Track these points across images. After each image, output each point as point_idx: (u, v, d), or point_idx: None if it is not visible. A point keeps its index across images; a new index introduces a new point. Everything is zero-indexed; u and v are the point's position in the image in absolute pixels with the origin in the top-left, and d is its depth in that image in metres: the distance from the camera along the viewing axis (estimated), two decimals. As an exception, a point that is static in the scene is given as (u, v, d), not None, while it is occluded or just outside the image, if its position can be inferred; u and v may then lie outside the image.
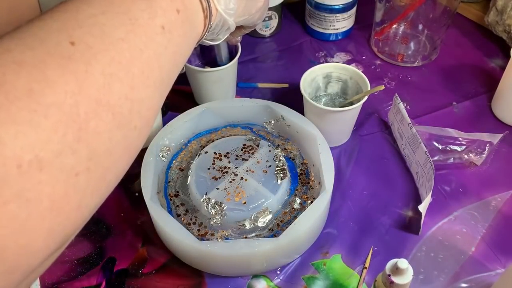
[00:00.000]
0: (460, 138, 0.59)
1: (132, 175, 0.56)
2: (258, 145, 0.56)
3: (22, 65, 0.23)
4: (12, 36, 0.24)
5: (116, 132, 0.26)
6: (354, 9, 0.76)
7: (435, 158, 0.58)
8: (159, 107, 0.32)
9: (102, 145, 0.25)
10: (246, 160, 0.55)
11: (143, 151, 0.53)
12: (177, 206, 0.53)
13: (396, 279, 0.41)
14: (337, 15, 0.74)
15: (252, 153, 0.56)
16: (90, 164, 0.25)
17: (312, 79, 0.61)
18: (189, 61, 0.64)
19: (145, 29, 0.29)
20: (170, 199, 0.54)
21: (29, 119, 0.22)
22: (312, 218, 0.48)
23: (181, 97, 0.69)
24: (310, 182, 0.55)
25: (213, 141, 0.59)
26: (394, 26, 0.73)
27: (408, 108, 0.66)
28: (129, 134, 0.28)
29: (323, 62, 0.73)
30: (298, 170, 0.57)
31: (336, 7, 0.73)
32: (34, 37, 0.24)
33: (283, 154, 0.56)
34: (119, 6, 0.29)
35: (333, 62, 0.74)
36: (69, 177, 0.23)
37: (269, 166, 0.54)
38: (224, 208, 0.50)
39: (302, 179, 0.56)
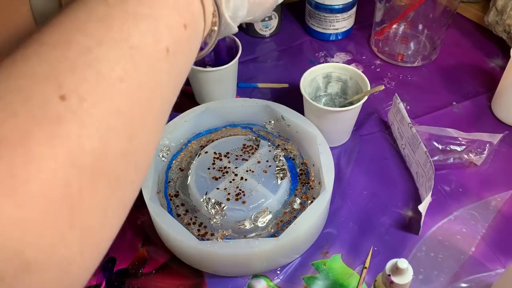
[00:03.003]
0: (460, 138, 0.59)
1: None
2: (258, 145, 0.57)
3: (3, 143, 0.19)
4: None
5: (112, 199, 0.24)
6: (354, 9, 0.76)
7: (435, 158, 0.58)
8: (158, 143, 0.29)
9: (96, 220, 0.23)
10: (246, 160, 0.55)
11: (143, 151, 0.53)
12: (177, 206, 0.53)
13: (396, 279, 0.41)
14: (337, 15, 0.74)
15: (252, 153, 0.56)
16: (83, 247, 0.22)
17: (312, 79, 0.61)
18: None
19: (148, 57, 0.25)
20: (170, 199, 0.54)
21: (11, 216, 0.18)
22: (312, 218, 0.48)
23: (181, 97, 0.69)
24: (310, 182, 0.55)
25: (213, 141, 0.59)
26: (394, 26, 0.73)
27: (408, 108, 0.66)
28: (126, 193, 0.25)
29: (323, 62, 0.73)
30: (298, 170, 0.57)
31: (336, 7, 0.73)
32: (17, 93, 0.20)
33: (283, 154, 0.56)
34: (120, 31, 0.25)
35: (333, 62, 0.74)
36: (60, 270, 0.21)
37: (269, 166, 0.54)
38: (224, 208, 0.50)
39: (302, 179, 0.56)
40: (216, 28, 0.33)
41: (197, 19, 0.31)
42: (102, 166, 0.22)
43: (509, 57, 0.61)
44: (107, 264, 0.52)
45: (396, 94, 0.61)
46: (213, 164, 0.54)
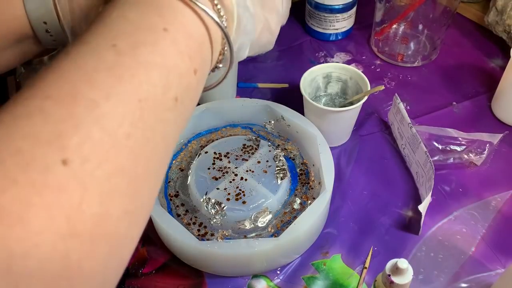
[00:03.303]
0: (460, 138, 0.59)
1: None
2: (258, 145, 0.57)
3: (2, 216, 0.18)
4: None
5: (112, 259, 0.23)
6: (354, 9, 0.76)
7: (435, 158, 0.58)
8: (158, 191, 0.27)
9: (95, 283, 0.22)
10: (246, 160, 0.55)
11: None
12: (177, 206, 0.53)
13: (396, 279, 0.41)
14: (337, 15, 0.74)
15: (252, 153, 0.56)
16: None
17: (312, 79, 0.61)
18: None
19: (156, 109, 0.24)
20: (170, 199, 0.54)
21: None
22: (312, 218, 0.48)
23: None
24: (310, 182, 0.55)
25: (213, 141, 0.59)
26: (394, 26, 0.73)
27: (408, 108, 0.66)
28: (125, 251, 0.24)
29: (323, 62, 0.73)
30: (298, 170, 0.57)
31: (336, 7, 0.73)
32: (18, 156, 0.20)
33: (283, 154, 0.56)
34: (129, 83, 0.23)
35: (333, 62, 0.74)
36: None
37: (269, 166, 0.54)
38: (224, 208, 0.50)
39: (302, 179, 0.56)
40: (221, 65, 0.32)
41: (207, 61, 0.30)
42: (102, 230, 0.21)
43: (509, 57, 0.61)
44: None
45: (396, 94, 0.61)
46: (213, 164, 0.54)
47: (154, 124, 0.24)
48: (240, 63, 0.68)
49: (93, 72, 0.23)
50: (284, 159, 0.55)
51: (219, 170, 0.54)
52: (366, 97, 0.57)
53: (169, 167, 0.57)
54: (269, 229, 0.51)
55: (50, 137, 0.20)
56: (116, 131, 0.22)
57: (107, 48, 0.24)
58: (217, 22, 0.28)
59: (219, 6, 0.29)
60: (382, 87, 0.56)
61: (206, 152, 0.56)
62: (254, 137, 0.58)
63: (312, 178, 0.55)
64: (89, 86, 0.22)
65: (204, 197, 0.51)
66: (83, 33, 0.25)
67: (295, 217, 0.50)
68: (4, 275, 0.18)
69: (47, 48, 0.44)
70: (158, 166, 0.26)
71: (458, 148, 0.59)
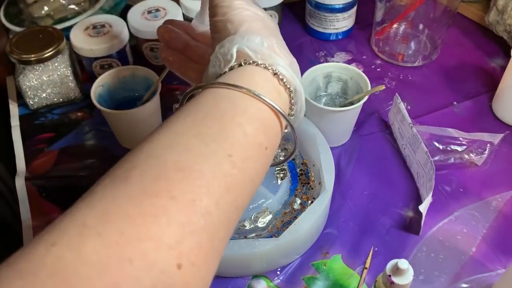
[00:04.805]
0: (460, 138, 0.59)
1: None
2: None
3: None
4: None
5: None
6: (355, 8, 0.76)
7: (436, 158, 0.58)
8: None
9: None
10: (246, 160, 0.55)
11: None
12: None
13: (396, 280, 0.40)
14: (338, 14, 0.74)
15: (252, 153, 0.55)
16: None
17: (312, 79, 0.61)
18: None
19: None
20: (170, 199, 0.54)
21: None
22: (312, 218, 0.48)
23: (181, 97, 0.69)
24: (310, 182, 0.55)
25: (213, 141, 0.59)
26: (395, 25, 0.73)
27: (409, 108, 0.66)
28: None
29: (323, 62, 0.72)
30: (298, 170, 0.57)
31: (337, 6, 0.73)
32: (143, 266, 0.23)
33: (283, 154, 0.56)
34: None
35: (333, 61, 0.74)
36: None
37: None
38: (224, 208, 0.50)
39: (302, 179, 0.56)
40: (286, 130, 0.36)
41: (278, 136, 0.34)
42: None
43: (510, 56, 0.61)
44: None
45: (396, 94, 0.61)
46: (213, 164, 0.54)
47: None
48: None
49: (212, 179, 0.27)
50: (284, 159, 0.55)
51: (219, 170, 0.54)
52: (366, 97, 0.57)
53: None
54: (269, 230, 0.51)
55: (171, 242, 0.24)
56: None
57: (225, 159, 0.28)
58: (283, 114, 0.33)
59: (284, 80, 0.34)
60: (383, 87, 0.56)
61: (206, 152, 0.56)
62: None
63: (312, 178, 0.55)
64: (207, 194, 0.26)
65: (204, 197, 0.51)
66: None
67: (295, 217, 0.50)
68: None
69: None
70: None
71: (459, 148, 0.59)
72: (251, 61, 0.33)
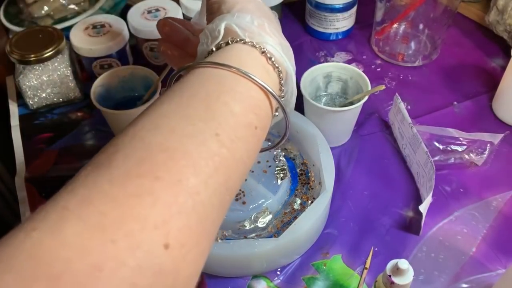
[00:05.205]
0: (460, 138, 0.59)
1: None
2: (258, 145, 0.56)
3: None
4: None
5: None
6: (355, 8, 0.76)
7: (436, 158, 0.58)
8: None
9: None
10: (246, 160, 0.55)
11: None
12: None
13: (396, 280, 0.40)
14: (338, 14, 0.74)
15: (252, 153, 0.55)
16: None
17: (312, 79, 0.61)
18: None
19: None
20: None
21: None
22: (312, 219, 0.48)
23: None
24: (310, 182, 0.55)
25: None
26: (395, 25, 0.72)
27: (409, 108, 0.66)
28: None
29: (323, 62, 0.72)
30: (298, 170, 0.56)
31: (337, 6, 0.73)
32: (128, 246, 0.22)
33: (283, 154, 0.56)
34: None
35: (333, 61, 0.74)
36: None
37: (269, 166, 0.54)
38: (224, 208, 0.50)
39: (302, 179, 0.56)
40: (276, 113, 0.36)
41: (267, 117, 0.33)
42: None
43: (510, 56, 0.61)
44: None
45: (396, 94, 0.61)
46: (213, 164, 0.54)
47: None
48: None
49: (198, 159, 0.26)
50: (284, 159, 0.55)
51: (219, 170, 0.54)
52: (366, 97, 0.57)
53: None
54: (269, 230, 0.51)
55: (157, 221, 0.23)
56: (203, 209, 0.26)
57: (212, 138, 0.27)
58: (272, 93, 0.32)
59: (273, 59, 0.33)
60: (383, 87, 0.56)
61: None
62: (254, 137, 0.57)
63: (312, 178, 0.55)
64: (193, 173, 0.26)
65: (204, 197, 0.51)
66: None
67: (295, 218, 0.50)
68: None
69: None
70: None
71: (459, 148, 0.59)
72: (238, 39, 0.33)
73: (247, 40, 0.33)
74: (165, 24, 0.44)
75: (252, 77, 0.31)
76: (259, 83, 0.31)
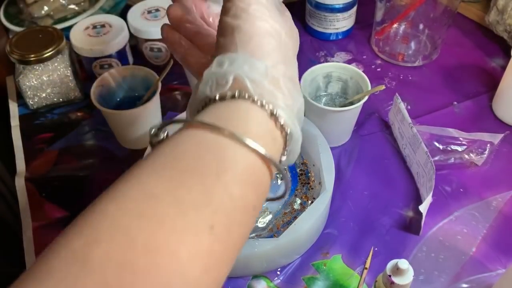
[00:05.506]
0: (460, 138, 0.59)
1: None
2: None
3: None
4: None
5: None
6: (355, 8, 0.76)
7: (436, 158, 0.58)
8: None
9: None
10: (246, 160, 0.55)
11: (143, 151, 0.53)
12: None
13: (396, 280, 0.40)
14: (338, 14, 0.74)
15: (252, 153, 0.55)
16: None
17: (312, 79, 0.61)
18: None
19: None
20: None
21: None
22: (312, 219, 0.48)
23: (181, 97, 0.69)
24: (310, 182, 0.55)
25: (213, 141, 0.59)
26: (395, 25, 0.72)
27: (409, 108, 0.66)
28: None
29: (323, 62, 0.72)
30: (298, 170, 0.56)
31: (337, 6, 0.73)
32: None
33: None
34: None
35: (333, 61, 0.74)
36: None
37: (269, 166, 0.54)
38: (224, 208, 0.50)
39: (302, 179, 0.56)
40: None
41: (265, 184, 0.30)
42: None
43: (510, 56, 0.61)
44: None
45: (396, 94, 0.61)
46: (213, 164, 0.54)
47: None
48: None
49: (187, 262, 0.24)
50: (284, 159, 0.55)
51: (219, 170, 0.54)
52: (366, 97, 0.57)
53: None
54: (269, 230, 0.51)
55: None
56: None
57: (205, 232, 0.25)
58: (278, 167, 0.29)
59: (282, 123, 0.29)
60: (383, 87, 0.56)
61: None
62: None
63: (312, 178, 0.55)
64: (181, 280, 0.23)
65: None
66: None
67: (295, 218, 0.50)
68: None
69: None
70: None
71: (459, 148, 0.59)
72: (246, 95, 0.28)
73: (255, 98, 0.29)
74: (176, 9, 0.39)
75: (258, 150, 0.27)
76: (265, 155, 0.27)
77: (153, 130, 0.29)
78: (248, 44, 0.30)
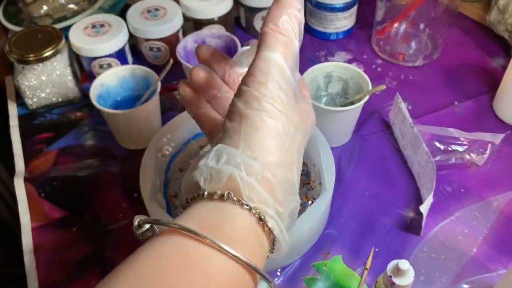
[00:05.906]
0: (461, 138, 0.59)
1: (132, 175, 0.55)
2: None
3: None
4: None
5: None
6: (355, 8, 0.76)
7: (437, 158, 0.58)
8: None
9: None
10: (246, 160, 0.54)
11: (142, 151, 0.53)
12: (177, 206, 0.53)
13: (397, 280, 0.40)
14: (338, 14, 0.74)
15: (252, 153, 0.55)
16: None
17: (313, 79, 0.61)
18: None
19: None
20: (170, 200, 0.54)
21: None
22: (312, 219, 0.48)
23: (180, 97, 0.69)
24: (311, 183, 0.55)
25: (213, 141, 0.59)
26: (395, 25, 0.72)
27: (410, 107, 0.66)
28: None
29: (323, 61, 0.72)
30: (298, 170, 0.56)
31: (337, 6, 0.73)
32: None
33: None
34: None
35: (334, 61, 0.73)
36: None
37: (269, 166, 0.54)
38: (224, 209, 0.50)
39: (302, 180, 0.55)
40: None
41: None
42: None
43: (511, 56, 0.61)
44: (106, 265, 0.51)
45: (397, 93, 0.61)
46: (213, 164, 0.54)
47: None
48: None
49: None
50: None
51: (219, 170, 0.53)
52: (367, 97, 0.57)
53: (169, 167, 0.57)
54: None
55: None
56: None
57: None
58: (266, 277, 0.29)
59: (270, 227, 0.30)
60: (383, 87, 0.56)
61: (205, 152, 0.55)
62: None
63: (313, 179, 0.55)
64: None
65: (204, 197, 0.51)
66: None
67: (295, 218, 0.49)
68: None
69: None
70: None
71: (460, 148, 0.59)
72: (236, 199, 0.28)
73: (245, 203, 0.29)
74: (200, 72, 0.39)
75: (247, 262, 0.27)
76: (249, 265, 0.28)
77: (137, 220, 0.29)
78: (251, 138, 0.30)
